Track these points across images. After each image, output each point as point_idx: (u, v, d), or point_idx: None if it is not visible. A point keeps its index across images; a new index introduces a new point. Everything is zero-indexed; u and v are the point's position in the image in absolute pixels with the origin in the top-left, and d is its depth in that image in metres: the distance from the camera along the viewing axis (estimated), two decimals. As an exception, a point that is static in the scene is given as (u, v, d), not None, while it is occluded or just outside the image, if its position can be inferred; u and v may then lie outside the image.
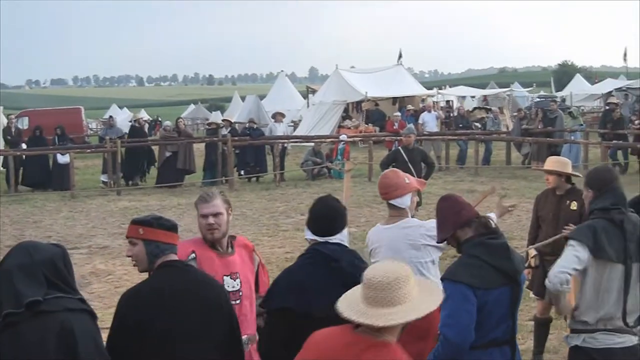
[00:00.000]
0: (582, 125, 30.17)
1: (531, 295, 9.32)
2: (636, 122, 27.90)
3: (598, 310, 5.57)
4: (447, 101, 47.38)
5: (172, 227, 5.02)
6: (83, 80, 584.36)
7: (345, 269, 4.92)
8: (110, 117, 34.78)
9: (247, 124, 29.72)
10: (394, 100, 41.46)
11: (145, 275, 5.06)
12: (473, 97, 57.17)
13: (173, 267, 4.94)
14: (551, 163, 9.01)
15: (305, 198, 20.95)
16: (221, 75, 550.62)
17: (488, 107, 41.56)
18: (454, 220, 5.44)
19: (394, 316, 3.77)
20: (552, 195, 8.93)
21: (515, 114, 33.91)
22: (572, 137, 27.97)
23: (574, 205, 8.54)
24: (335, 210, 5.20)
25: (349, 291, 4.15)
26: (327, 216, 5.15)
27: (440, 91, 54.76)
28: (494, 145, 30.67)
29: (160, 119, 59.93)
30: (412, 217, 6.84)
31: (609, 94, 48.50)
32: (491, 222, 5.48)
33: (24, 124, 39.97)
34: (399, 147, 16.54)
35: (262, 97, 51.11)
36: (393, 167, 15.53)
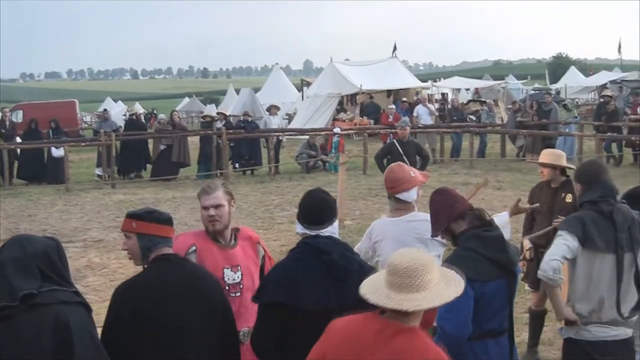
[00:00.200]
0: (576, 117, 30.22)
1: (526, 287, 9.33)
2: (630, 114, 27.96)
3: (590, 302, 5.58)
4: (443, 94, 47.30)
5: (166, 221, 5.01)
6: (77, 74, 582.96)
7: (336, 261, 4.91)
8: (105, 110, 34.67)
9: (242, 117, 29.69)
10: (389, 92, 41.46)
11: (140, 269, 5.06)
12: (468, 89, 57.13)
13: (168, 261, 4.94)
14: (546, 155, 9.01)
15: (300, 191, 20.88)
16: (216, 68, 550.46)
17: (482, 99, 41.50)
18: (448, 213, 5.44)
19: (421, 301, 3.83)
20: (547, 187, 8.94)
21: (509, 106, 33.88)
22: (567, 130, 27.99)
23: (568, 198, 8.54)
24: (324, 202, 5.19)
25: (369, 278, 4.17)
26: (316, 208, 5.13)
27: (434, 84, 54.76)
28: (489, 137, 30.66)
29: (155, 112, 59.86)
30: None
31: (604, 86, 48.57)
32: (485, 213, 5.49)
33: (18, 117, 39.92)
34: (394, 140, 16.55)
35: (256, 90, 51.04)
36: (388, 159, 15.56)
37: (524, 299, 10.18)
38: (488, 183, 9.49)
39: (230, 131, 27.04)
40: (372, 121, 36.12)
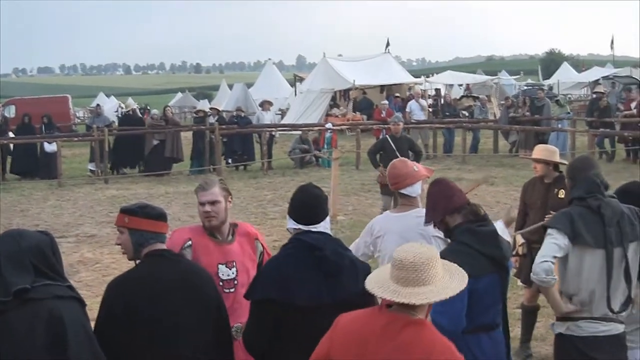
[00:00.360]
0: (569, 113, 30.24)
1: (519, 283, 9.35)
2: (623, 110, 28.00)
3: (580, 297, 5.58)
4: (436, 89, 47.37)
5: (158, 216, 5.00)
6: (70, 69, 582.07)
7: (329, 257, 4.89)
8: (98, 105, 34.68)
9: (235, 113, 29.68)
10: (382, 88, 41.44)
11: (133, 264, 5.06)
12: (461, 85, 57.18)
13: (161, 257, 4.94)
14: (539, 151, 9.02)
15: (292, 186, 20.84)
16: (209, 64, 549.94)
17: (475, 95, 41.53)
18: (445, 205, 5.45)
19: (427, 295, 3.90)
20: (540, 183, 8.95)
21: (502, 102, 33.92)
22: (560, 125, 28.00)
23: (561, 194, 8.54)
24: (318, 197, 5.18)
25: (374, 272, 4.28)
26: (310, 204, 5.12)
27: (427, 79, 54.77)
28: (482, 133, 30.71)
29: (149, 107, 59.78)
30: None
31: (596, 82, 48.66)
32: (481, 209, 5.49)
33: (10, 112, 39.83)
34: (387, 136, 16.53)
35: (249, 85, 50.97)
36: (380, 155, 15.56)
37: (516, 295, 10.20)
38: (489, 180, 9.50)
39: (223, 126, 27.03)
40: (364, 117, 36.10)
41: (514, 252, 8.60)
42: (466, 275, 4.21)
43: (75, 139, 30.60)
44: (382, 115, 30.37)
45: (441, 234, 6.01)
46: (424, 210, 6.31)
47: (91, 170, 27.01)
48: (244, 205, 19.11)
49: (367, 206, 18.54)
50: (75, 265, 13.54)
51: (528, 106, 29.57)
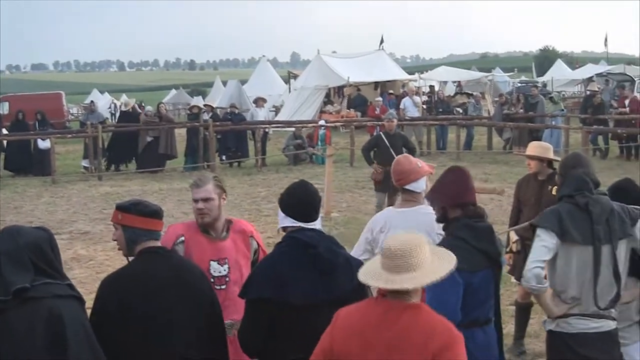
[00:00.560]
0: (563, 110, 30.29)
1: (512, 280, 9.35)
2: (617, 107, 28.05)
3: (568, 294, 5.58)
4: (430, 86, 47.35)
5: (151, 214, 4.98)
6: (64, 65, 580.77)
7: (323, 255, 4.89)
8: (92, 102, 34.57)
9: (229, 109, 29.67)
10: (376, 85, 41.43)
11: (126, 261, 5.05)
12: (455, 82, 57.14)
13: (155, 254, 4.94)
14: (533, 148, 9.04)
15: (286, 183, 20.64)
16: (203, 60, 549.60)
17: (469, 92, 41.52)
18: (456, 195, 5.47)
19: (418, 279, 4.01)
20: (534, 180, 8.96)
21: (496, 99, 33.95)
22: (553, 122, 28.04)
23: (555, 191, 8.54)
24: (315, 194, 5.18)
25: (367, 264, 4.36)
26: (308, 201, 5.11)
27: (422, 76, 54.73)
28: (476, 130, 30.73)
29: (143, 104, 59.72)
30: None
31: (590, 79, 48.67)
32: (484, 212, 5.54)
33: (4, 109, 39.80)
34: (381, 133, 16.53)
35: (243, 82, 50.89)
36: (374, 152, 15.56)
37: (510, 292, 10.21)
38: (504, 194, 9.58)
39: (217, 123, 27.03)
40: (359, 113, 36.09)
41: (507, 249, 8.62)
42: (454, 257, 4.30)
43: (69, 135, 30.55)
44: (376, 112, 30.37)
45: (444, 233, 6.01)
46: (429, 207, 6.31)
47: (85, 167, 26.98)
48: (237, 202, 19.10)
49: (361, 203, 18.55)
50: (69, 262, 13.50)
51: (522, 103, 29.58)
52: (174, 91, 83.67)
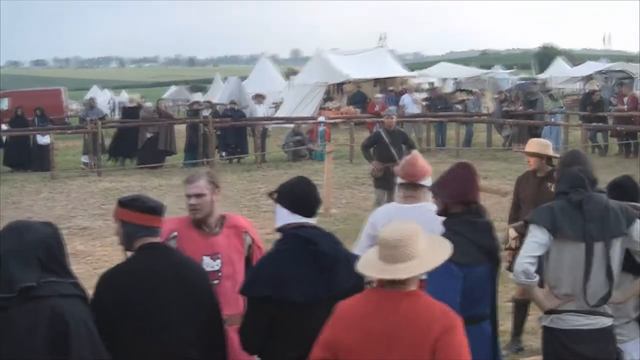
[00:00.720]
0: (562, 107, 30.29)
1: (511, 276, 9.34)
2: (616, 104, 28.06)
3: (561, 290, 5.58)
4: (430, 83, 47.37)
5: (149, 210, 4.95)
6: (64, 62, 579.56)
7: (325, 252, 4.88)
8: (91, 98, 34.59)
9: (229, 106, 29.64)
10: (376, 82, 41.43)
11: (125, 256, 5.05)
12: (455, 79, 57.17)
13: (153, 250, 4.92)
14: (532, 145, 9.06)
15: (286, 179, 20.80)
16: (202, 57, 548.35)
17: (469, 89, 41.55)
18: (461, 192, 5.49)
19: (413, 268, 4.08)
20: (533, 177, 8.97)
21: (496, 96, 33.94)
22: (553, 119, 28.06)
23: (554, 187, 8.56)
24: (316, 190, 5.20)
25: (364, 255, 4.44)
26: (313, 195, 5.13)
27: (421, 73, 54.76)
28: (475, 127, 30.74)
29: (145, 100, 59.70)
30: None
31: (590, 77, 48.69)
32: (485, 211, 5.59)
33: (4, 105, 39.76)
34: (380, 129, 16.53)
35: (243, 78, 50.82)
36: (374, 149, 15.56)
37: (507, 288, 10.19)
38: (507, 196, 9.67)
39: (217, 120, 27.03)
40: (358, 110, 36.10)
41: (506, 246, 8.63)
42: (450, 246, 4.36)
43: (69, 131, 30.58)
44: (376, 109, 30.36)
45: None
46: (433, 205, 6.30)
47: (84, 163, 27.00)
48: (237, 199, 19.11)
49: (360, 199, 18.56)
50: (67, 258, 13.51)
51: (521, 100, 29.59)
52: (173, 87, 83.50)
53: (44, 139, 26.10)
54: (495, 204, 16.03)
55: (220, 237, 5.92)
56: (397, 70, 42.53)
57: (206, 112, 27.84)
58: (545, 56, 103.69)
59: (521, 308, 9.13)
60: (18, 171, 25.78)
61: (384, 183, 14.57)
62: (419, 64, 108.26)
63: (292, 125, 29.51)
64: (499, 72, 64.70)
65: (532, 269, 5.48)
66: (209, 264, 5.79)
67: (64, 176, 24.48)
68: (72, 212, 18.20)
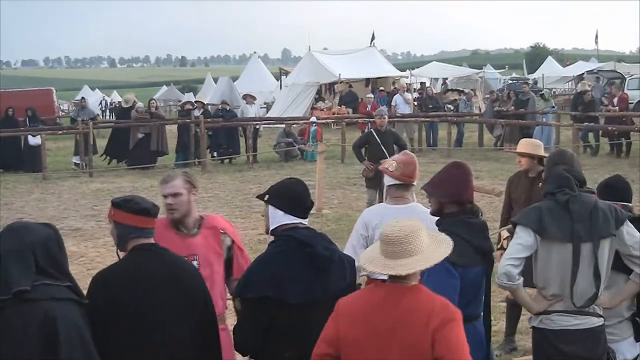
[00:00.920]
0: (553, 107, 30.32)
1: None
2: (607, 104, 28.11)
3: (549, 290, 5.58)
4: (421, 83, 47.35)
5: (141, 211, 4.91)
6: (54, 62, 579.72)
7: (321, 253, 4.89)
8: (82, 98, 34.54)
9: (220, 106, 29.61)
10: (367, 81, 41.46)
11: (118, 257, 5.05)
12: (445, 79, 57.19)
13: (146, 251, 4.90)
14: (523, 145, 9.07)
15: (278, 180, 20.68)
16: (194, 57, 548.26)
17: (460, 89, 41.58)
18: (456, 192, 5.51)
19: (414, 264, 4.18)
20: (525, 177, 8.99)
21: (487, 96, 34.00)
22: (544, 119, 28.09)
23: (545, 188, 8.57)
24: (308, 190, 5.21)
25: (366, 250, 4.57)
26: (307, 196, 5.13)
27: (413, 72, 54.76)
28: (467, 127, 30.78)
29: (136, 100, 59.60)
30: None
31: (581, 76, 48.80)
32: (480, 211, 5.62)
33: (-6, 105, 39.59)
34: (372, 130, 16.52)
35: (234, 78, 50.90)
36: (366, 149, 15.56)
37: (501, 288, 10.20)
38: (500, 196, 9.72)
39: (209, 120, 26.99)
40: (350, 110, 36.13)
41: (498, 246, 8.64)
42: (451, 242, 4.43)
43: (60, 132, 30.46)
44: (368, 109, 30.36)
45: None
46: (422, 206, 6.30)
47: (75, 164, 26.94)
48: (228, 199, 19.11)
49: (352, 200, 18.57)
50: (60, 259, 13.49)
51: (513, 100, 29.63)
52: (165, 87, 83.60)
53: (35, 140, 26.02)
54: (487, 204, 16.06)
55: (198, 238, 5.91)
56: (388, 70, 42.58)
57: (197, 113, 27.78)
58: (537, 56, 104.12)
59: (514, 308, 9.13)
60: (9, 172, 25.70)
61: (376, 183, 14.55)
62: (410, 63, 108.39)
63: (283, 126, 29.51)
64: (490, 71, 64.76)
65: (515, 271, 5.46)
66: None
67: (55, 177, 24.45)
68: (64, 213, 18.16)
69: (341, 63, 39.72)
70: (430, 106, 31.98)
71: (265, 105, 42.77)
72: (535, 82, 57.99)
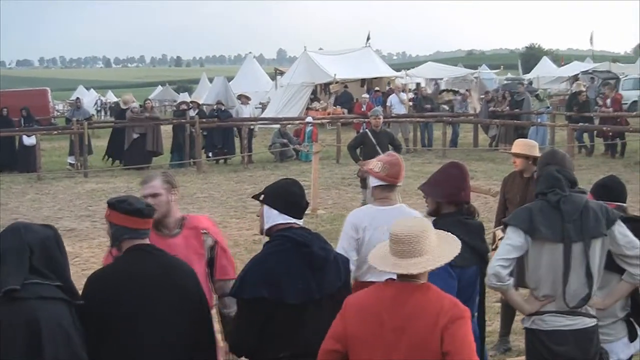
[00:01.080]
0: (548, 107, 30.36)
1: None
2: (602, 105, 28.15)
3: (541, 291, 5.58)
4: (417, 83, 47.38)
5: (134, 212, 4.88)
6: (49, 62, 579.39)
7: (317, 254, 4.89)
8: (77, 98, 34.50)
9: (215, 106, 29.60)
10: (363, 82, 41.47)
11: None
12: (440, 79, 57.21)
13: (141, 251, 4.89)
14: (518, 146, 9.08)
15: (273, 180, 20.64)
16: (189, 57, 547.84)
17: (455, 89, 41.59)
18: (453, 192, 5.53)
19: (424, 263, 4.24)
20: (520, 177, 9.00)
21: (482, 96, 34.00)
22: (539, 120, 28.14)
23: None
24: (303, 190, 5.21)
25: (375, 249, 4.57)
26: (301, 197, 5.13)
27: (408, 72, 54.77)
28: (462, 127, 30.79)
29: (134, 100, 59.52)
30: None
31: (576, 77, 48.84)
32: (476, 212, 5.66)
33: (-11, 105, 39.54)
34: (367, 130, 16.55)
35: (230, 79, 50.81)
36: (361, 149, 15.57)
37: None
38: (496, 196, 9.75)
39: (204, 120, 26.99)
40: (345, 110, 36.13)
41: (493, 247, 8.65)
42: (459, 242, 4.48)
43: (55, 132, 30.45)
44: (363, 109, 30.38)
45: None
46: (406, 207, 6.30)
47: (70, 164, 26.91)
48: (223, 199, 19.11)
49: (347, 200, 18.56)
50: (55, 259, 13.46)
51: (508, 100, 29.66)
52: (160, 88, 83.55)
53: (29, 140, 25.99)
54: (482, 205, 16.06)
55: (178, 238, 5.87)
56: (383, 70, 42.59)
57: (193, 113, 27.77)
58: (532, 56, 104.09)
59: (509, 309, 9.12)
60: (4, 172, 25.63)
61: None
62: (405, 64, 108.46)
63: (278, 126, 29.51)
64: (485, 72, 64.79)
65: (504, 272, 5.45)
66: None
67: (50, 177, 24.42)
68: (59, 213, 18.14)
69: (336, 63, 39.73)
70: (428, 106, 31.99)
71: (260, 106, 42.73)
72: (531, 83, 57.96)
